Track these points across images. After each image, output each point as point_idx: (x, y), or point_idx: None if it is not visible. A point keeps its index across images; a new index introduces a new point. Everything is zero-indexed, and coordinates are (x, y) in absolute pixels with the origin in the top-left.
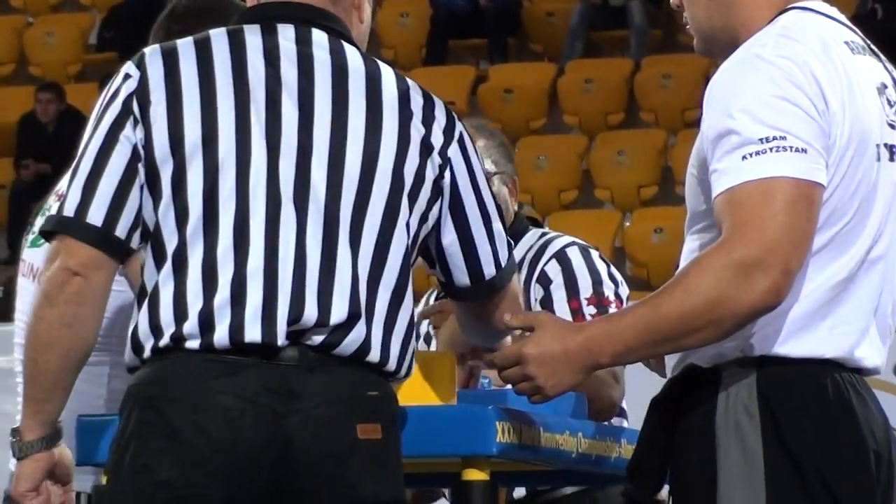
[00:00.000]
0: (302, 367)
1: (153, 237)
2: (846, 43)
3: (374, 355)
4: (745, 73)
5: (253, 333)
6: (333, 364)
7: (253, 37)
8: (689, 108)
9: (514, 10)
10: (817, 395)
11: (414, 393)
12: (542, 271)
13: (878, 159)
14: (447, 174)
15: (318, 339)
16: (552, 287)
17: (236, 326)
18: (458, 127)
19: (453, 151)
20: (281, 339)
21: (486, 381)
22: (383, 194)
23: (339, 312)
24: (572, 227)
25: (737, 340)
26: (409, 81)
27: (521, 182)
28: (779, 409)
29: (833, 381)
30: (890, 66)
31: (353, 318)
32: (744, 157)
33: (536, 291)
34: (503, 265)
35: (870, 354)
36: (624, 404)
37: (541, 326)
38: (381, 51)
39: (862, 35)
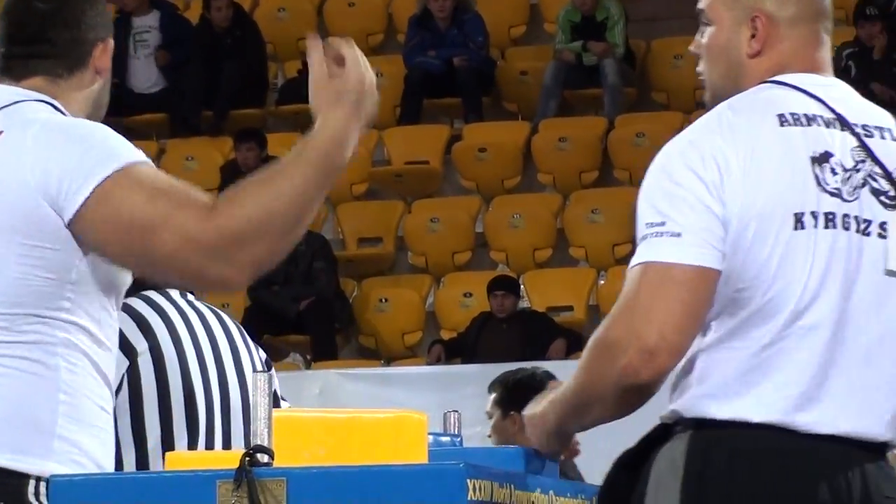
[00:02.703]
0: None
1: None
2: (779, 115)
3: None
4: (659, 157)
5: None
6: None
7: None
8: None
9: (488, 70)
10: (729, 455)
11: (384, 451)
12: None
13: (801, 227)
14: None
15: None
16: None
17: None
18: None
19: None
20: None
21: (459, 439)
22: None
23: None
24: (547, 286)
25: (677, 402)
26: None
27: (496, 241)
28: (698, 466)
29: (753, 444)
30: (865, 135)
31: None
32: (640, 241)
33: None
34: None
35: (823, 420)
36: None
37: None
38: None
39: (832, 106)
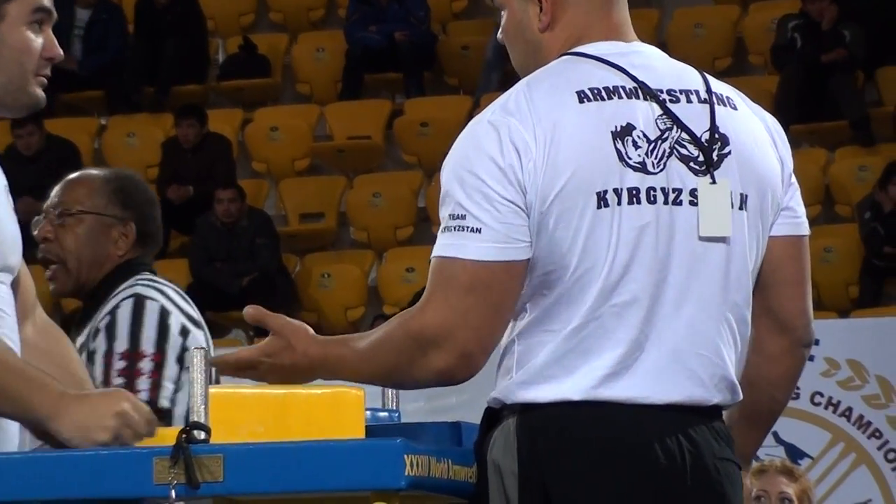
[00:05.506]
0: None
1: None
2: (578, 92)
3: None
4: (463, 136)
5: None
6: None
7: None
8: None
9: (429, 45)
10: (559, 433)
11: (322, 427)
12: (96, 326)
13: (605, 205)
14: None
15: None
16: (98, 337)
17: None
18: None
19: None
20: None
21: (397, 414)
22: None
23: None
24: None
25: (499, 388)
26: None
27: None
28: (531, 446)
29: (578, 419)
30: (670, 101)
31: None
32: (442, 230)
33: (90, 341)
34: None
35: (643, 391)
36: None
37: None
38: (296, 85)
39: (633, 74)
